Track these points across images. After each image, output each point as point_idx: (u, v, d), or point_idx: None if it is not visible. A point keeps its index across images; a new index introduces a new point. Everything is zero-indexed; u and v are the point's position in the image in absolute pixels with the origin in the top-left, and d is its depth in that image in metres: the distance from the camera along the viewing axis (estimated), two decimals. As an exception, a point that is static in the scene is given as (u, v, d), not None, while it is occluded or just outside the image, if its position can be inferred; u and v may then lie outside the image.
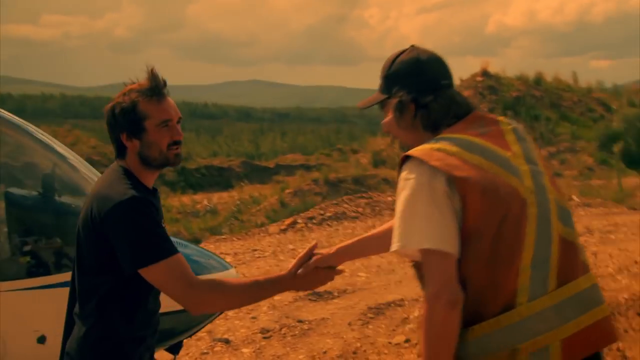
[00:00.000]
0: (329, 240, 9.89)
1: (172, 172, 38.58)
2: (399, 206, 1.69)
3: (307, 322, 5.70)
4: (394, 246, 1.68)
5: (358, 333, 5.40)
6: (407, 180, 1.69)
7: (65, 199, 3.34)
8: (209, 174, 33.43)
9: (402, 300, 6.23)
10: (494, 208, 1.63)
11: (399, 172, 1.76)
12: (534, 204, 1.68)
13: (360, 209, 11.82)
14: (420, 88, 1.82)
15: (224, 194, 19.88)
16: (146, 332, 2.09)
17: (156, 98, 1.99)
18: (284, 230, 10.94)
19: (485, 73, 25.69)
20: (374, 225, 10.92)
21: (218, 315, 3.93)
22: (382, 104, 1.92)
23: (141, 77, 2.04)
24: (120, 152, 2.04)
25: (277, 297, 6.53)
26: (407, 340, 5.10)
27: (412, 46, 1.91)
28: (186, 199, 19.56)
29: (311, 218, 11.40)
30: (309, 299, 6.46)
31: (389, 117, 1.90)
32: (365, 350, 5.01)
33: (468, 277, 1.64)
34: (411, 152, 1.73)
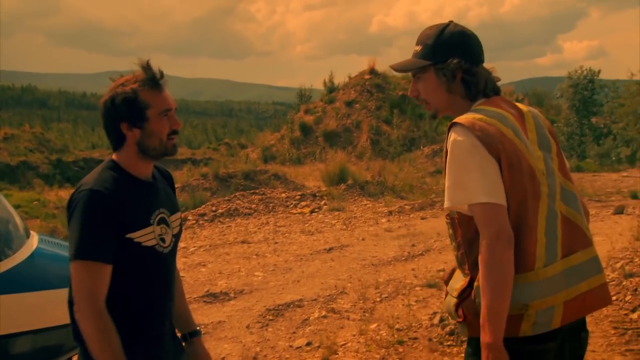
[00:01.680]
0: (221, 237, 9.57)
1: (47, 165, 36.33)
2: (453, 165, 1.88)
3: (202, 326, 5.39)
4: (452, 201, 1.88)
5: (257, 336, 5.18)
6: (457, 142, 1.88)
7: None
8: (88, 167, 31.66)
9: (301, 300, 6.08)
10: (517, 181, 1.85)
11: (447, 137, 1.94)
12: (545, 184, 1.92)
13: (253, 206, 11.55)
14: (469, 58, 2.02)
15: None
16: (150, 327, 2.04)
17: (157, 88, 1.99)
18: (173, 228, 10.47)
19: (372, 71, 26.24)
20: (267, 221, 10.72)
21: None
22: (422, 69, 2.06)
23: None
24: (119, 142, 2.01)
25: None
26: (308, 344, 4.94)
27: (452, 22, 2.09)
28: (63, 193, 18.34)
29: (202, 214, 10.99)
30: (204, 301, 6.15)
31: (427, 82, 2.06)
32: (265, 355, 4.80)
33: None
34: (458, 119, 1.92)
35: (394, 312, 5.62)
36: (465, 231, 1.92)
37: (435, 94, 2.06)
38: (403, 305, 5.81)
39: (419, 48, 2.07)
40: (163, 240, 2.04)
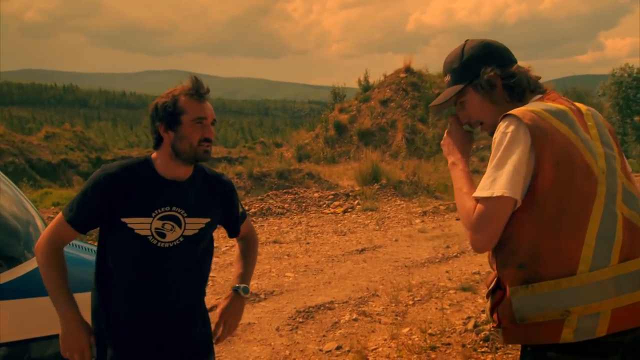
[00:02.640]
0: (253, 237, 9.54)
1: (87, 163, 37.03)
2: (496, 154, 1.81)
3: (232, 328, 5.34)
4: (486, 192, 1.78)
5: (287, 339, 5.10)
6: (505, 133, 1.81)
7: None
8: (126, 165, 32.10)
9: (332, 302, 5.98)
10: (563, 180, 1.76)
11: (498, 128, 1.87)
12: (603, 184, 1.81)
13: (286, 205, 11.50)
14: (501, 63, 1.97)
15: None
16: (137, 314, 2.19)
17: (196, 97, 2.17)
18: (206, 227, 10.48)
19: (408, 70, 25.97)
20: (300, 221, 10.65)
21: None
22: (460, 94, 2.03)
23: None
24: (158, 143, 2.21)
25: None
26: (338, 347, 4.84)
27: (468, 40, 2.07)
28: (101, 191, 18.66)
29: (235, 214, 10.99)
30: (234, 302, 6.09)
31: (470, 103, 2.02)
32: (294, 359, 4.72)
33: (533, 236, 1.76)
34: (510, 111, 1.85)
35: (427, 316, 5.48)
36: None
37: (485, 110, 2.01)
38: (436, 309, 5.67)
39: (448, 77, 2.07)
40: (161, 235, 2.16)
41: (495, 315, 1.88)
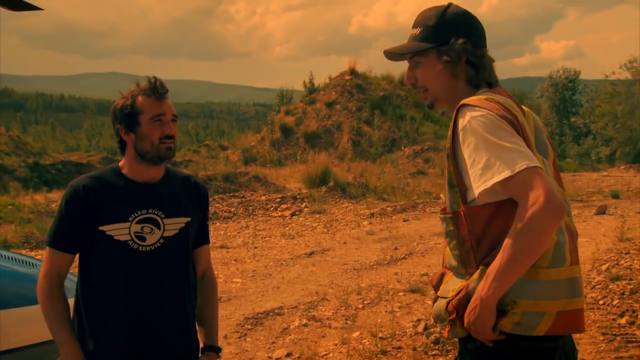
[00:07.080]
0: (199, 243, 9.34)
1: (24, 169, 35.65)
2: (481, 141, 1.65)
3: (178, 338, 5.17)
4: (503, 175, 1.60)
5: (235, 347, 4.98)
6: (476, 118, 1.68)
7: None
8: (66, 170, 31.15)
9: (281, 308, 5.89)
10: None
11: (455, 121, 1.74)
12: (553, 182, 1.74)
13: (233, 209, 11.32)
14: (475, 42, 1.86)
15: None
16: (121, 318, 2.10)
17: (154, 96, 2.14)
18: (150, 233, 10.21)
19: (353, 72, 26.11)
20: (247, 225, 10.50)
21: None
22: (421, 52, 1.89)
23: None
24: (122, 147, 2.20)
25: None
26: (288, 354, 4.76)
27: (452, 3, 1.93)
28: (40, 197, 17.90)
29: (180, 219, 10.75)
30: (180, 311, 5.92)
31: (427, 67, 1.89)
32: (244, 367, 4.60)
33: (499, 219, 1.67)
34: (466, 100, 1.75)
35: (377, 319, 5.45)
36: (473, 225, 1.71)
37: (438, 79, 1.88)
38: (386, 311, 5.65)
39: (417, 31, 1.91)
40: (142, 238, 2.13)
41: (450, 305, 1.74)
